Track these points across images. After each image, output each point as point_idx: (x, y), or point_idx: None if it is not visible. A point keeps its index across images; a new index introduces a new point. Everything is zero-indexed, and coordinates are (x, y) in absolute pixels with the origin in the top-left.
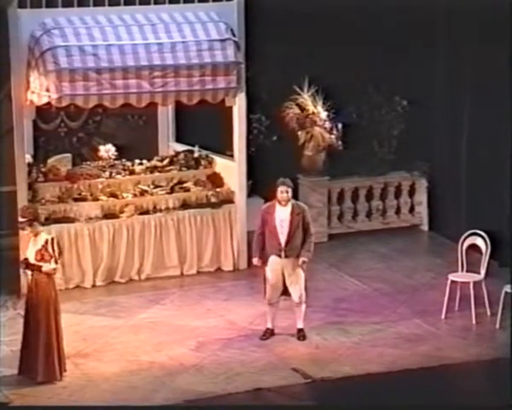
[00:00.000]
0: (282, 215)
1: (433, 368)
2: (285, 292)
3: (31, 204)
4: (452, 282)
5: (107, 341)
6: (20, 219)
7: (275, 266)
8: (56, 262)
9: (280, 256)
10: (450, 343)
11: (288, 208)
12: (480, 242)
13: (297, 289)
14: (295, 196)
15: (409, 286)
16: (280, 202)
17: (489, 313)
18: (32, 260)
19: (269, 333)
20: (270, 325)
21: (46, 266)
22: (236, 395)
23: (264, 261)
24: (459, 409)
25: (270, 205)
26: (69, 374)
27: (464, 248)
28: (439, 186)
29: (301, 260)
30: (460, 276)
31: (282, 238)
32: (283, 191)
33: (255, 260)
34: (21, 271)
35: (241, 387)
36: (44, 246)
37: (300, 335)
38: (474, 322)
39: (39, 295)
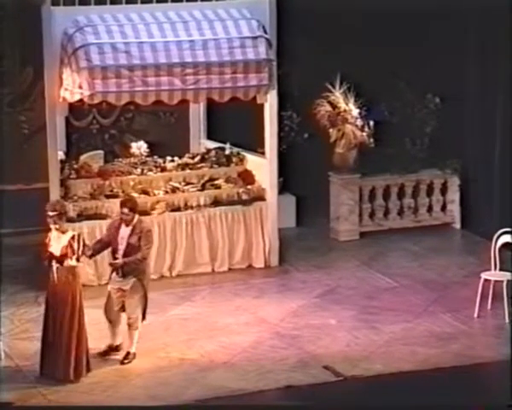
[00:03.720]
0: (123, 233)
1: (465, 367)
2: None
3: (59, 199)
4: (485, 280)
5: (139, 337)
6: (51, 213)
7: (114, 283)
8: (78, 260)
9: (118, 274)
10: (482, 342)
11: (130, 228)
12: None
13: (128, 312)
14: (327, 192)
15: (441, 284)
16: (123, 221)
17: None
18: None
19: (112, 350)
20: (112, 342)
21: (67, 262)
22: (267, 392)
23: (90, 256)
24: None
25: (118, 219)
26: (101, 370)
27: (498, 246)
28: (472, 184)
29: (114, 262)
30: (493, 274)
31: (119, 257)
32: (123, 213)
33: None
34: (46, 265)
35: (271, 384)
36: (70, 242)
37: (125, 359)
38: (506, 321)
39: (64, 292)
